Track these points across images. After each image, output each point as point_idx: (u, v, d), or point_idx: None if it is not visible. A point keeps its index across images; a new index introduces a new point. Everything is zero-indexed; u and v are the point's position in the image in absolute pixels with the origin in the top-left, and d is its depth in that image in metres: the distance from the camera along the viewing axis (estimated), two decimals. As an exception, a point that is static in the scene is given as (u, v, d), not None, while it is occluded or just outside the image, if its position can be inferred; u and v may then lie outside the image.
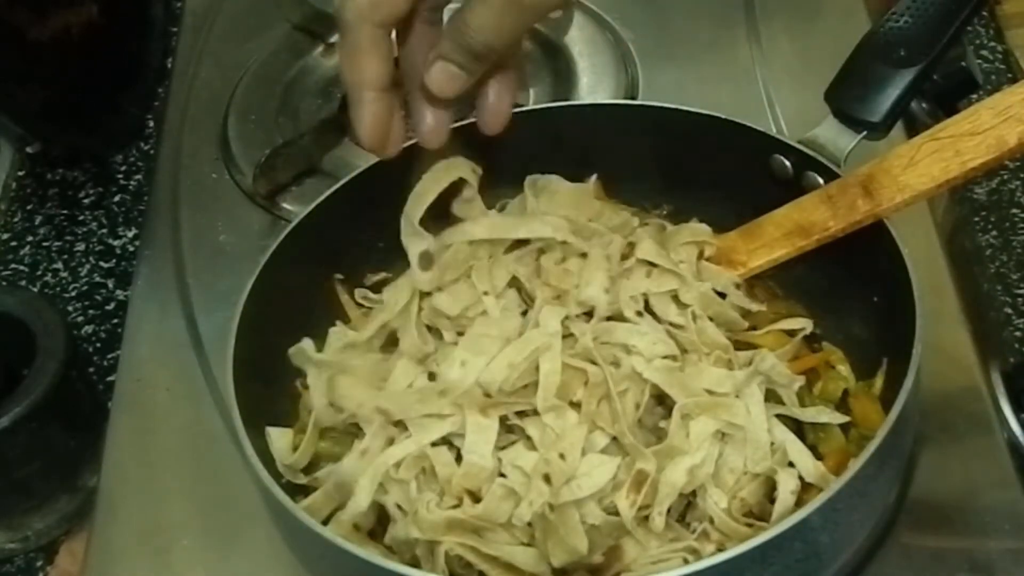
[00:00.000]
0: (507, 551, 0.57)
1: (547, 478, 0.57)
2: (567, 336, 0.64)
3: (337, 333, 0.69)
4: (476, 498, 0.59)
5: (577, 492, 0.57)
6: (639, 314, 0.65)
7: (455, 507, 0.58)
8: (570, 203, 0.71)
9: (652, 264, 0.67)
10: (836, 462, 0.60)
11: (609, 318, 0.65)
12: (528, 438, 0.60)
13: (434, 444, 0.60)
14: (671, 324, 0.65)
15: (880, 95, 0.67)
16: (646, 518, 0.58)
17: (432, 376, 0.64)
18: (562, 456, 0.58)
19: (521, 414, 0.62)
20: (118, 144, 1.02)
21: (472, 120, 0.75)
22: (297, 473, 0.63)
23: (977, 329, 0.72)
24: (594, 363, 0.62)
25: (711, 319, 0.66)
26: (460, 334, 0.66)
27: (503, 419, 0.61)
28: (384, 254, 0.73)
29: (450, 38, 0.60)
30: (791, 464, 0.60)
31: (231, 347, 0.63)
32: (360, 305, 0.72)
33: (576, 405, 0.61)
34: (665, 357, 0.63)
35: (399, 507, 0.60)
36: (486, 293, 0.66)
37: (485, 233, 0.69)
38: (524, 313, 0.66)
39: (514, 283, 0.68)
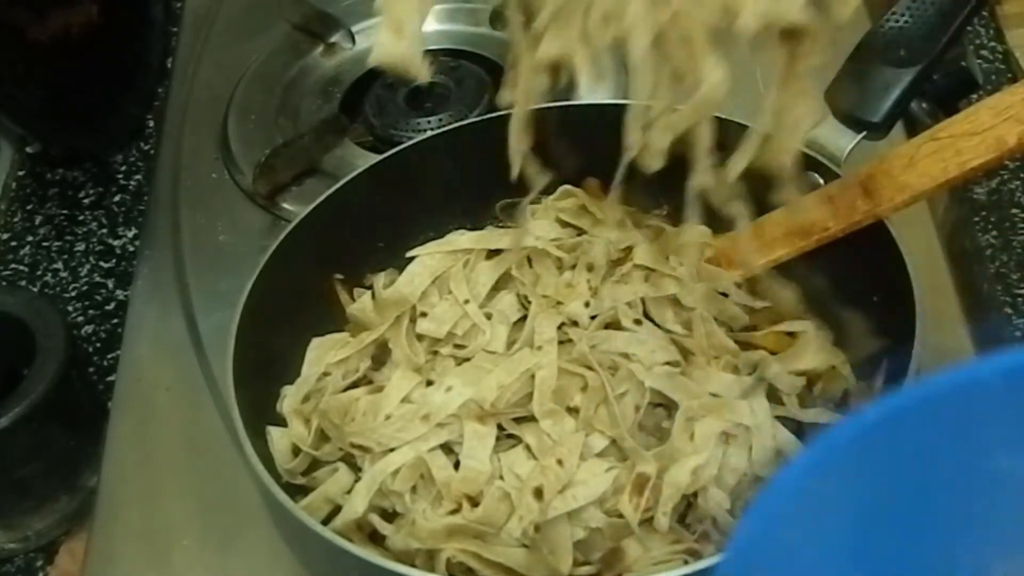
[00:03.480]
0: (510, 554, 0.57)
1: (539, 492, 0.57)
2: (565, 342, 0.64)
3: (316, 349, 0.69)
4: (475, 503, 0.59)
5: (572, 503, 0.57)
6: (637, 322, 0.65)
7: (454, 512, 0.58)
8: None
9: (650, 269, 0.67)
10: (836, 462, 0.60)
11: (607, 325, 0.65)
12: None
13: (431, 449, 0.60)
14: (672, 330, 0.65)
15: (880, 95, 0.67)
16: (649, 519, 0.58)
17: (430, 382, 0.64)
18: (560, 462, 0.58)
19: (520, 420, 0.62)
20: (118, 144, 1.02)
21: (472, 121, 0.76)
22: (296, 475, 0.63)
23: (977, 329, 0.72)
24: (592, 369, 0.62)
25: (715, 318, 0.66)
26: (457, 346, 0.66)
27: (502, 426, 0.61)
28: (384, 254, 0.73)
29: None
30: None
31: (231, 347, 0.63)
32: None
33: (574, 410, 0.61)
34: (666, 363, 0.63)
35: (388, 520, 0.60)
36: (467, 301, 0.66)
37: (469, 243, 0.69)
38: (522, 318, 0.66)
39: (512, 288, 0.68)
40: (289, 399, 0.66)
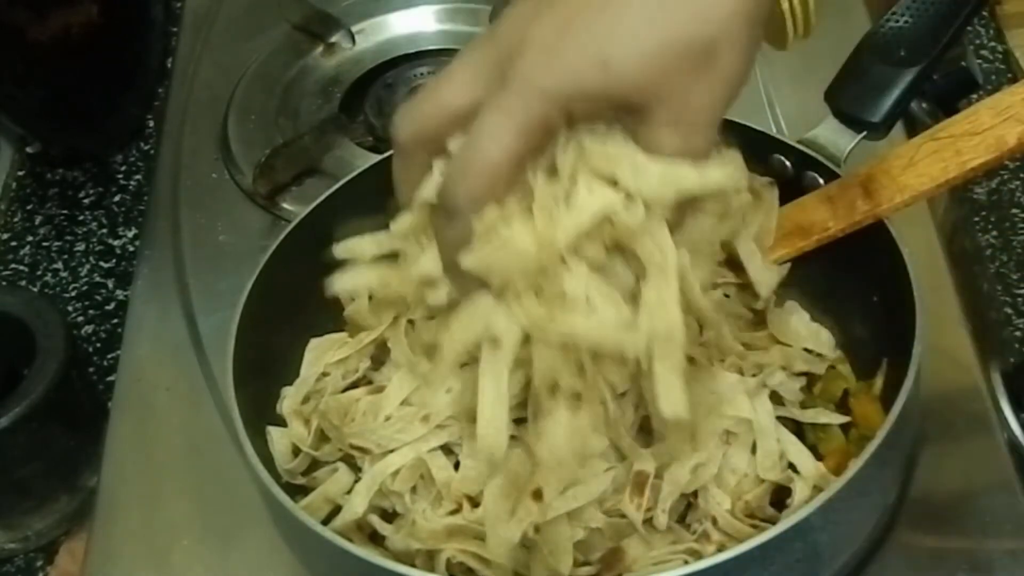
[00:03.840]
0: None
1: (538, 494, 0.57)
2: None
3: (314, 350, 0.68)
4: (475, 503, 0.59)
5: (572, 502, 0.57)
6: None
7: (454, 512, 0.58)
8: None
9: None
10: (836, 462, 0.60)
11: None
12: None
13: (430, 450, 0.60)
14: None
15: (880, 95, 0.67)
16: (650, 519, 0.58)
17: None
18: (560, 464, 0.58)
19: (519, 421, 0.61)
20: (118, 144, 1.02)
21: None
22: (296, 475, 0.63)
23: (977, 329, 0.72)
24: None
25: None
26: None
27: None
28: (384, 254, 0.73)
29: None
30: (792, 466, 0.60)
31: (231, 347, 0.63)
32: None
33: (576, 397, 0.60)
34: None
35: (387, 520, 0.60)
36: None
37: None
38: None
39: None
40: (288, 400, 0.66)
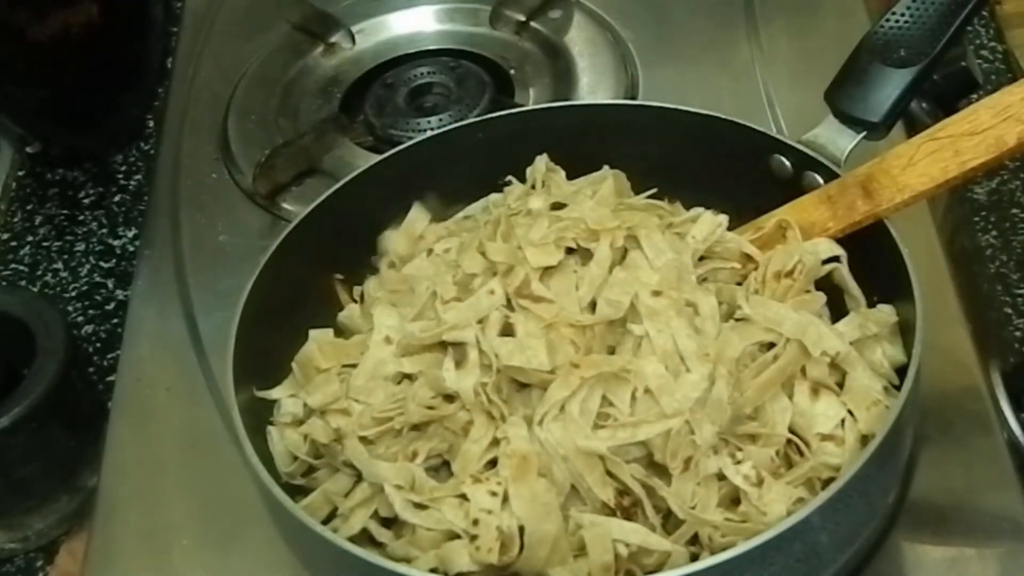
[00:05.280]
0: None
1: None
2: None
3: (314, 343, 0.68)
4: None
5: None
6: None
7: None
8: None
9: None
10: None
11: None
12: None
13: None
14: None
15: (880, 95, 0.67)
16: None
17: None
18: None
19: None
20: (118, 144, 1.03)
21: (472, 121, 0.76)
22: (296, 476, 0.63)
23: (977, 329, 0.72)
24: None
25: None
26: None
27: None
28: (384, 254, 0.73)
29: None
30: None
31: (231, 347, 0.63)
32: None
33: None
34: None
35: (386, 526, 0.60)
36: None
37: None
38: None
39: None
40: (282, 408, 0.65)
